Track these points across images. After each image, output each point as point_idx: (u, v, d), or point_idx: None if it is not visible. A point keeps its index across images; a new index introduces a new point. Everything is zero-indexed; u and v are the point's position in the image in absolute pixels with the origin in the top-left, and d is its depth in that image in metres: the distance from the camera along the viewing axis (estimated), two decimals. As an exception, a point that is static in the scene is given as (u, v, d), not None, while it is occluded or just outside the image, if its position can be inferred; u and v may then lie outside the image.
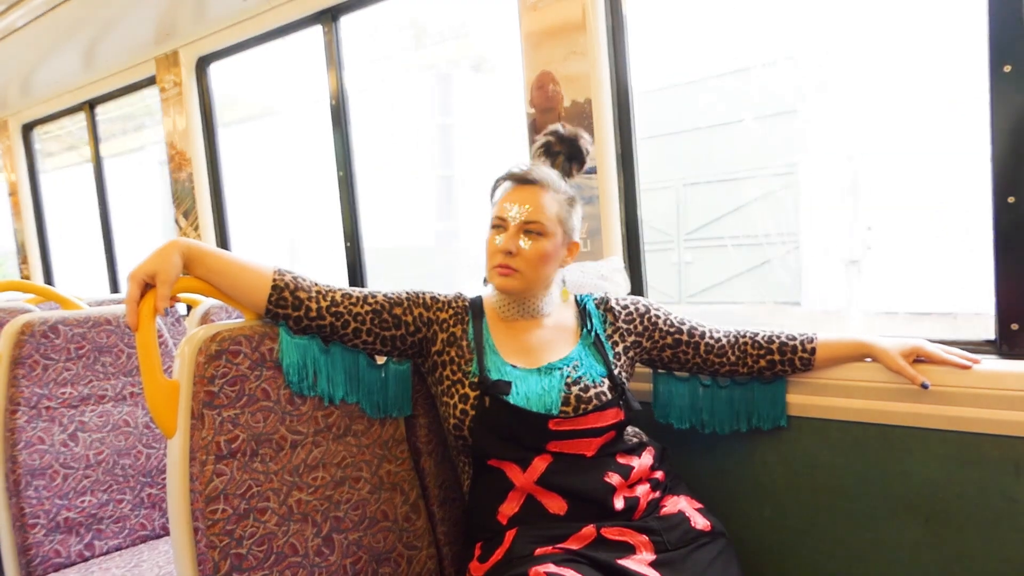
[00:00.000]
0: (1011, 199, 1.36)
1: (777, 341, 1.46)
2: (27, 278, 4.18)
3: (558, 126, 1.50)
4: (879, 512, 1.44)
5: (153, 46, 2.91)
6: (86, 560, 1.78)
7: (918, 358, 1.36)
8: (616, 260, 1.62)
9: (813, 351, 1.44)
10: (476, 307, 1.44)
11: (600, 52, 1.78)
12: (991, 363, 1.34)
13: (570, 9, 1.78)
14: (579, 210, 1.45)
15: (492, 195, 1.44)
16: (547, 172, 1.40)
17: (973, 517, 1.34)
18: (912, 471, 1.40)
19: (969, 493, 1.34)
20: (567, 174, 1.48)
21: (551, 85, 1.84)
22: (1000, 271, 1.39)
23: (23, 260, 4.22)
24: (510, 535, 1.27)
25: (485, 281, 1.43)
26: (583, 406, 1.32)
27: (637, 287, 1.88)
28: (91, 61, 3.14)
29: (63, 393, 1.81)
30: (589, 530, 1.25)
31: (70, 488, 1.77)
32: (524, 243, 1.35)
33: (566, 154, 1.49)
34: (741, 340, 1.47)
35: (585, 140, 1.49)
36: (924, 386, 1.32)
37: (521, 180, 1.38)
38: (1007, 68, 1.34)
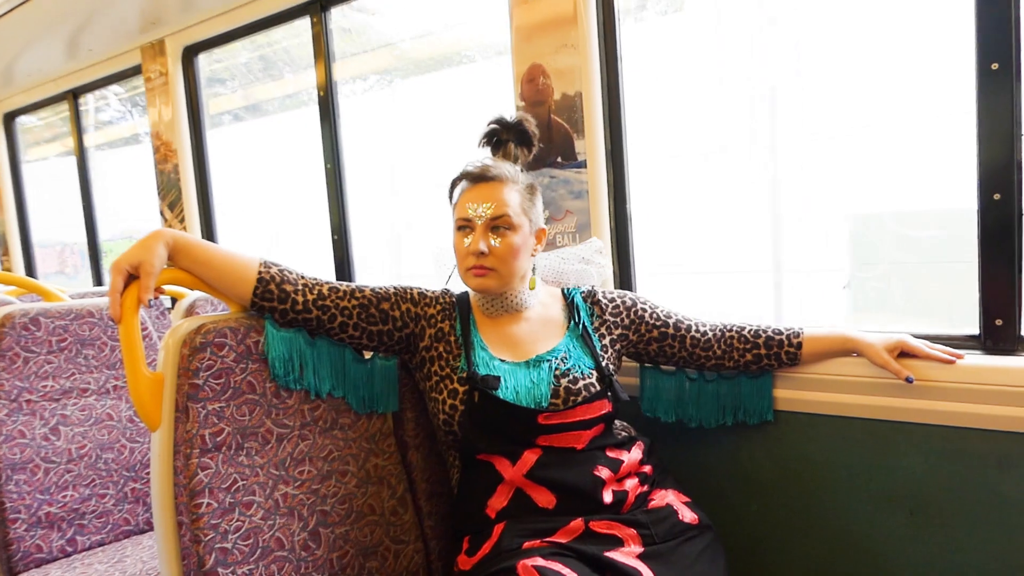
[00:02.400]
0: (997, 196, 1.37)
1: (763, 335, 1.46)
2: (8, 270, 4.12)
3: (501, 115, 1.50)
4: (864, 506, 1.45)
5: (139, 35, 2.88)
6: (68, 555, 1.76)
7: (903, 353, 1.37)
8: (596, 242, 1.62)
9: (799, 346, 1.45)
10: (463, 302, 1.44)
11: (591, 45, 1.78)
12: (975, 358, 1.35)
13: (561, 2, 1.78)
14: (540, 196, 1.45)
15: (450, 196, 1.43)
16: (503, 166, 1.39)
17: (957, 511, 1.36)
18: (897, 465, 1.41)
19: (953, 487, 1.36)
20: (515, 159, 1.49)
21: (541, 78, 1.83)
22: (985, 267, 1.40)
23: (4, 252, 4.17)
24: (498, 529, 1.27)
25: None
26: (572, 398, 1.32)
27: (626, 282, 1.88)
28: (75, 50, 3.09)
29: (44, 386, 1.79)
30: (577, 524, 1.25)
31: (51, 483, 1.75)
32: (494, 241, 1.34)
33: (515, 140, 1.49)
34: (727, 334, 1.47)
35: (530, 123, 1.49)
36: (908, 380, 1.33)
37: (479, 178, 1.37)
38: (994, 66, 1.35)
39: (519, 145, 1.49)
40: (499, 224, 1.34)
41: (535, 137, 1.50)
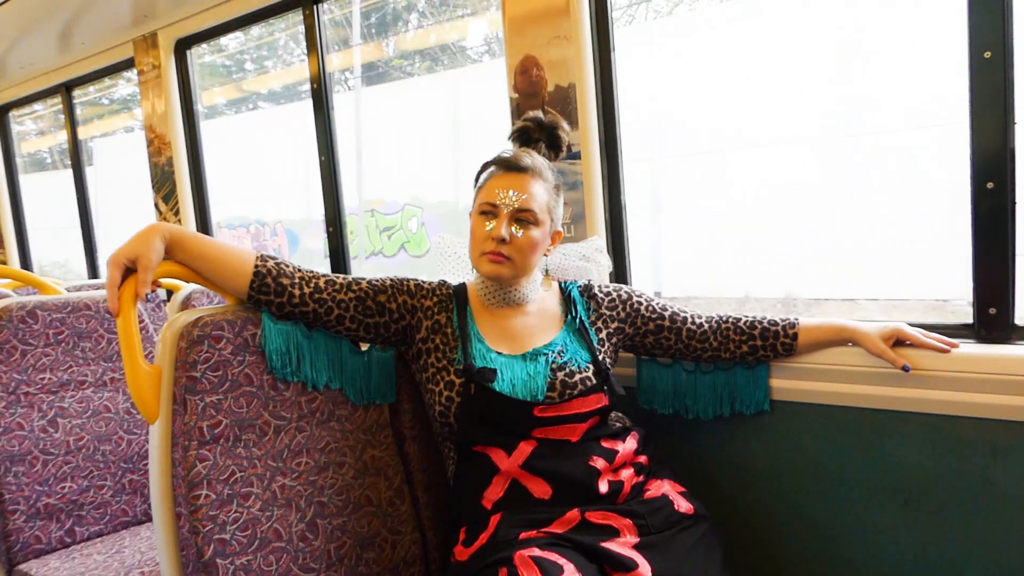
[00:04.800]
0: (990, 185, 1.37)
1: (759, 326, 1.47)
2: (4, 263, 4.11)
3: (539, 113, 1.50)
4: (859, 495, 1.46)
5: (131, 28, 2.86)
6: (67, 546, 1.77)
7: (898, 341, 1.38)
8: (597, 241, 1.62)
9: (795, 336, 1.45)
10: (460, 295, 1.44)
11: (584, 37, 1.77)
12: (969, 347, 1.36)
13: (555, -7, 1.77)
14: (562, 197, 1.45)
15: (477, 180, 1.43)
16: (537, 159, 1.39)
17: (950, 499, 1.37)
18: (891, 454, 1.42)
19: (947, 475, 1.37)
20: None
21: (534, 70, 1.83)
22: (978, 256, 1.41)
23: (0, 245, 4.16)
24: (495, 519, 1.28)
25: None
26: (568, 391, 1.32)
27: (620, 273, 1.89)
28: (67, 43, 3.08)
29: (42, 379, 1.79)
30: (573, 514, 1.26)
31: (50, 474, 1.75)
32: (516, 231, 1.34)
33: (545, 142, 1.49)
34: (723, 326, 1.48)
35: (564, 130, 1.49)
36: (905, 369, 1.34)
37: (514, 167, 1.37)
38: (987, 54, 1.35)
39: (548, 147, 1.49)
40: (524, 217, 1.34)
41: (563, 143, 1.50)
